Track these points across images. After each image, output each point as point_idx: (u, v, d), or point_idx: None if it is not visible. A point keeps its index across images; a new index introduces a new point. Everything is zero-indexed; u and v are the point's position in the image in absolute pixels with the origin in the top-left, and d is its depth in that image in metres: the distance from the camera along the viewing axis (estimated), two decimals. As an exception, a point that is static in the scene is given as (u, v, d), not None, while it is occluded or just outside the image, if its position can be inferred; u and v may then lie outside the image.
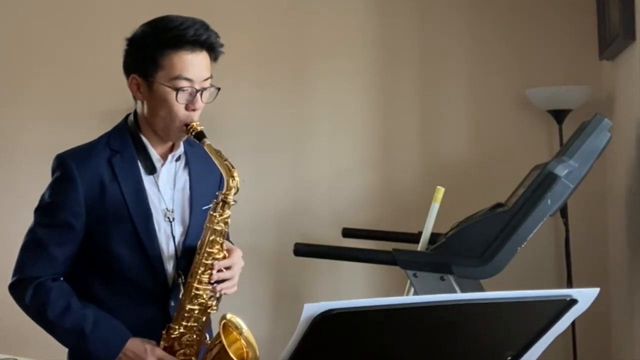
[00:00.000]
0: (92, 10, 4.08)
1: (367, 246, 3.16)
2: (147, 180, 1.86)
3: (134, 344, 1.78)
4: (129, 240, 1.82)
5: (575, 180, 2.50)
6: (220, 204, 1.78)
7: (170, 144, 1.89)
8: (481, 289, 2.72)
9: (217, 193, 1.80)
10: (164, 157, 1.89)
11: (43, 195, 1.89)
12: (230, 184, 1.77)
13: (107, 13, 4.06)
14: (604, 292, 1.37)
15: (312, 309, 1.23)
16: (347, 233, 3.33)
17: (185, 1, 4.05)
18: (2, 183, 4.05)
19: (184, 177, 1.92)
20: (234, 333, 1.84)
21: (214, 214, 1.78)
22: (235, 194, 1.78)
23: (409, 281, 2.64)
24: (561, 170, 2.48)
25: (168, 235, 1.87)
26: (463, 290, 2.56)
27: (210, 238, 1.79)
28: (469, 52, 3.78)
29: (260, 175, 3.96)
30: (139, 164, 1.86)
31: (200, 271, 1.80)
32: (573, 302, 1.35)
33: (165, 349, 1.81)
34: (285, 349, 1.30)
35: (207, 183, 1.94)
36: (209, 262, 1.80)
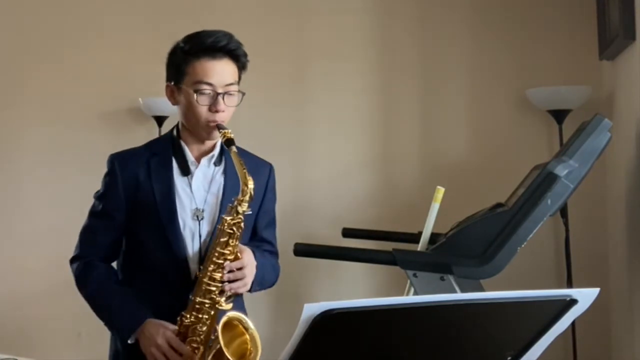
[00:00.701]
0: (92, 11, 4.08)
1: (367, 246, 3.16)
2: (180, 180, 2.05)
3: (151, 324, 1.95)
4: (157, 234, 2.01)
5: (575, 180, 2.50)
6: (234, 209, 1.92)
7: (206, 147, 2.07)
8: (481, 289, 2.72)
9: (233, 198, 1.94)
10: (199, 160, 2.06)
11: (99, 189, 2.13)
12: (245, 191, 1.90)
13: (107, 14, 4.06)
14: (604, 292, 1.37)
15: (312, 309, 1.23)
16: (347, 233, 3.33)
17: (185, 2, 4.07)
18: (2, 183, 4.05)
19: (219, 181, 2.07)
20: (239, 327, 1.90)
21: (226, 218, 1.92)
22: (249, 201, 1.91)
23: (409, 281, 2.64)
24: (561, 170, 2.48)
25: (194, 233, 2.03)
26: (463, 290, 2.56)
27: (222, 239, 1.92)
28: (469, 53, 3.79)
29: (260, 176, 3.96)
30: (175, 166, 2.06)
31: (211, 268, 1.92)
32: (573, 302, 1.35)
33: (179, 334, 1.95)
34: (285, 349, 1.30)
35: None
36: (220, 261, 1.92)
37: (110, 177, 2.07)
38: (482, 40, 3.77)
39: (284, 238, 3.71)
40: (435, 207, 2.66)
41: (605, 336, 3.46)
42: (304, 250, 2.89)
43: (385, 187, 3.85)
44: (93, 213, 2.10)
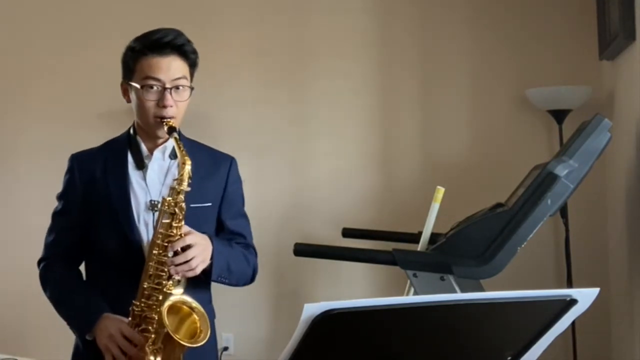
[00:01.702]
0: (92, 12, 4.09)
1: (367, 246, 3.16)
2: (135, 174, 2.08)
3: (106, 319, 1.98)
4: (112, 227, 2.04)
5: (575, 180, 2.50)
6: (174, 189, 1.93)
7: (158, 140, 2.08)
8: (481, 289, 2.72)
9: (172, 179, 1.97)
10: (152, 152, 2.08)
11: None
12: (182, 171, 1.93)
13: (107, 14, 4.06)
14: (604, 292, 1.37)
15: (312, 309, 1.23)
16: (347, 233, 3.33)
17: (185, 3, 4.07)
18: (2, 182, 4.05)
19: (174, 173, 2.05)
20: (185, 308, 1.91)
21: (167, 198, 1.93)
22: (187, 181, 1.92)
23: (409, 281, 2.64)
24: (561, 170, 2.48)
25: (148, 224, 2.04)
26: (463, 290, 2.56)
27: (165, 221, 1.93)
28: (469, 52, 3.79)
29: (260, 176, 3.96)
30: (130, 161, 2.09)
31: (155, 252, 1.93)
32: (573, 302, 1.35)
33: (132, 324, 1.96)
34: (285, 349, 1.30)
35: (199, 183, 2.03)
36: (165, 243, 1.93)
37: (69, 176, 2.12)
38: (482, 40, 3.77)
39: (284, 238, 3.74)
40: (435, 207, 2.66)
41: (605, 336, 3.46)
42: (304, 250, 2.89)
43: (385, 187, 3.85)
44: (55, 213, 2.15)
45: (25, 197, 3.98)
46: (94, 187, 2.07)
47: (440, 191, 2.64)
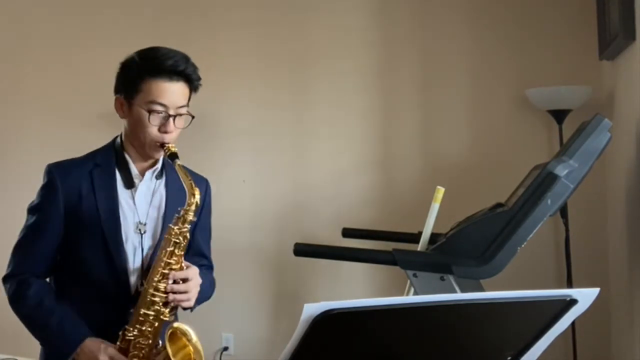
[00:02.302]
0: (92, 12, 4.08)
1: (367, 246, 3.16)
2: (124, 193, 2.03)
3: (91, 342, 1.93)
4: (98, 247, 1.98)
5: (575, 180, 2.49)
6: (181, 218, 1.94)
7: (150, 161, 2.06)
8: (481, 289, 2.72)
9: (179, 209, 1.95)
10: (143, 173, 2.05)
11: (33, 200, 2.07)
12: (191, 201, 1.93)
13: (107, 14, 4.06)
14: (604, 292, 1.37)
15: (312, 309, 1.23)
16: (347, 233, 3.33)
17: (185, 3, 4.07)
18: (2, 182, 4.05)
19: (161, 195, 2.07)
20: (183, 339, 1.90)
21: (173, 227, 1.94)
22: (195, 211, 1.94)
23: (409, 281, 2.64)
24: (561, 170, 2.48)
25: (136, 247, 2.01)
26: (463, 290, 2.56)
27: (169, 249, 1.93)
28: (469, 52, 3.79)
29: (260, 176, 3.96)
30: (118, 178, 2.03)
31: (156, 279, 1.93)
32: (573, 302, 1.35)
33: (120, 350, 1.94)
34: (285, 349, 1.30)
35: (183, 203, 2.02)
36: (166, 271, 1.93)
37: (48, 189, 2.01)
38: (482, 40, 3.77)
39: (284, 238, 3.74)
40: (435, 207, 2.66)
41: (605, 336, 3.46)
42: (304, 250, 2.90)
43: (385, 187, 3.85)
44: (28, 227, 2.03)
45: (24, 197, 3.97)
46: (80, 203, 1.98)
47: (440, 191, 2.64)
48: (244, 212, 3.96)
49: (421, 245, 2.72)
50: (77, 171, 2.02)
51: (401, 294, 2.82)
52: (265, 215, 3.94)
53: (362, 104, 3.89)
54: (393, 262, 2.64)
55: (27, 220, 2.05)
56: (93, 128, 3.90)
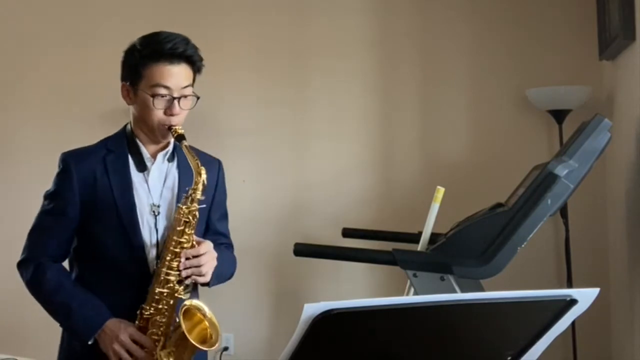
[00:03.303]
0: (91, 11, 4.08)
1: (367, 246, 3.16)
2: (137, 176, 2.07)
3: (112, 323, 1.99)
4: (115, 229, 2.03)
5: (575, 180, 2.49)
6: (189, 198, 1.98)
7: (160, 144, 2.09)
8: (481, 289, 2.72)
9: (187, 188, 2.00)
10: (155, 156, 2.09)
11: (50, 187, 2.11)
12: (197, 180, 1.97)
13: (107, 13, 4.06)
14: (604, 292, 1.37)
15: (312, 309, 1.23)
16: (347, 233, 3.33)
17: (185, 3, 4.07)
18: (1, 182, 4.05)
19: (174, 176, 2.11)
20: (198, 315, 1.96)
21: (182, 207, 1.98)
22: (202, 190, 1.98)
23: (409, 281, 2.64)
24: (561, 170, 2.48)
25: (151, 227, 2.05)
26: (463, 290, 2.56)
27: (179, 228, 1.98)
28: (469, 52, 3.79)
29: (260, 175, 3.96)
30: (131, 162, 2.07)
31: (168, 258, 1.97)
32: (573, 302, 1.35)
33: (139, 328, 2.00)
34: (285, 349, 1.30)
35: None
36: (177, 249, 1.98)
37: (63, 175, 2.06)
38: (482, 40, 3.77)
39: (284, 238, 3.73)
40: (435, 207, 2.66)
41: (605, 336, 3.46)
42: (304, 250, 2.90)
43: (385, 187, 3.85)
44: (44, 212, 2.08)
45: (24, 197, 3.98)
46: (94, 187, 2.03)
47: (440, 191, 2.64)
48: (243, 212, 3.95)
49: (421, 245, 2.72)
50: (90, 157, 2.06)
51: (401, 294, 2.82)
52: (265, 215, 3.94)
53: (362, 104, 3.89)
54: (393, 262, 2.64)
55: (42, 206, 2.09)
56: (93, 128, 3.90)
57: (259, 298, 3.95)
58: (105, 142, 2.12)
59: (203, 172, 1.96)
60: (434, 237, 2.72)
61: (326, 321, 1.23)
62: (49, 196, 2.09)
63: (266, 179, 3.96)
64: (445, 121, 3.80)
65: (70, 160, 2.06)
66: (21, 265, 2.10)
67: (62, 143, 3.98)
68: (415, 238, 2.85)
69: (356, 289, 3.80)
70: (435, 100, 3.82)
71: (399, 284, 2.97)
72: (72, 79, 4.04)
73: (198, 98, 2.06)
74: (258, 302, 3.96)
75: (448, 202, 2.70)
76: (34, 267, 2.06)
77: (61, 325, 2.10)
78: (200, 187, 1.97)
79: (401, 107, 3.86)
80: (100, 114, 3.90)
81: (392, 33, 3.87)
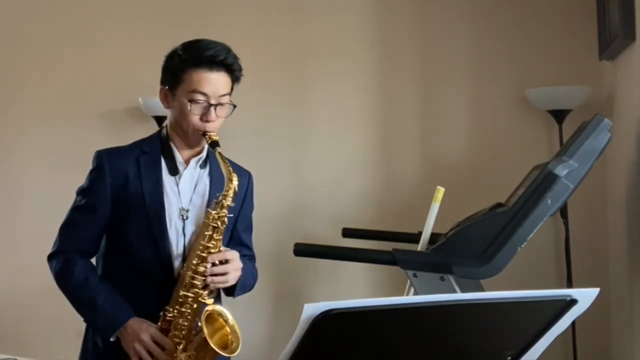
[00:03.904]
0: (92, 12, 4.08)
1: (367, 246, 3.16)
2: (168, 180, 2.09)
3: (134, 322, 2.00)
4: (143, 230, 2.05)
5: (575, 180, 2.49)
6: (219, 204, 2.00)
7: (194, 150, 2.13)
8: (481, 289, 2.72)
9: (217, 194, 2.02)
10: (188, 162, 2.11)
11: (83, 183, 2.14)
12: (229, 186, 2.00)
13: (107, 14, 4.06)
14: (604, 292, 1.37)
15: (312, 309, 1.23)
16: (347, 233, 3.33)
17: (185, 2, 4.07)
18: (2, 182, 4.05)
19: (205, 182, 2.13)
20: (220, 320, 1.98)
21: (212, 212, 2.00)
22: (233, 196, 2.00)
23: (409, 281, 2.64)
24: (561, 170, 2.48)
25: (179, 232, 2.07)
26: (463, 290, 2.56)
27: (207, 233, 2.00)
28: (468, 52, 3.79)
29: (260, 176, 3.94)
30: (163, 165, 2.10)
31: (195, 262, 1.99)
32: (573, 302, 1.35)
33: (161, 330, 2.01)
34: (285, 349, 1.30)
35: None
36: (204, 254, 2.00)
37: (97, 173, 2.08)
38: (482, 40, 3.77)
39: (284, 238, 3.73)
40: (435, 207, 2.66)
41: (605, 336, 3.46)
42: (304, 250, 2.89)
43: (385, 187, 3.85)
44: (76, 208, 2.11)
45: (25, 197, 3.98)
46: (127, 187, 2.06)
47: (440, 191, 2.63)
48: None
49: (421, 245, 2.72)
50: (124, 157, 2.09)
51: (401, 294, 2.82)
52: (265, 215, 3.92)
53: (362, 104, 3.89)
54: (393, 262, 2.64)
55: (74, 202, 2.12)
56: (93, 128, 3.90)
57: (258, 298, 3.95)
58: (140, 144, 2.15)
59: (235, 178, 1.99)
60: (434, 237, 2.72)
61: (326, 321, 1.23)
62: (81, 192, 2.11)
63: (266, 178, 3.95)
64: (445, 121, 3.80)
65: (105, 158, 2.08)
66: (51, 258, 2.12)
67: (62, 143, 4.00)
68: (415, 238, 2.85)
69: (356, 289, 3.80)
70: (435, 100, 3.82)
71: (399, 284, 2.97)
72: (72, 79, 4.04)
73: (235, 106, 2.09)
74: (258, 301, 3.96)
75: (448, 202, 2.69)
76: (64, 260, 2.08)
77: (85, 320, 2.12)
78: (231, 193, 1.99)
79: (401, 106, 3.86)
80: (100, 114, 3.90)
81: (392, 33, 3.87)
